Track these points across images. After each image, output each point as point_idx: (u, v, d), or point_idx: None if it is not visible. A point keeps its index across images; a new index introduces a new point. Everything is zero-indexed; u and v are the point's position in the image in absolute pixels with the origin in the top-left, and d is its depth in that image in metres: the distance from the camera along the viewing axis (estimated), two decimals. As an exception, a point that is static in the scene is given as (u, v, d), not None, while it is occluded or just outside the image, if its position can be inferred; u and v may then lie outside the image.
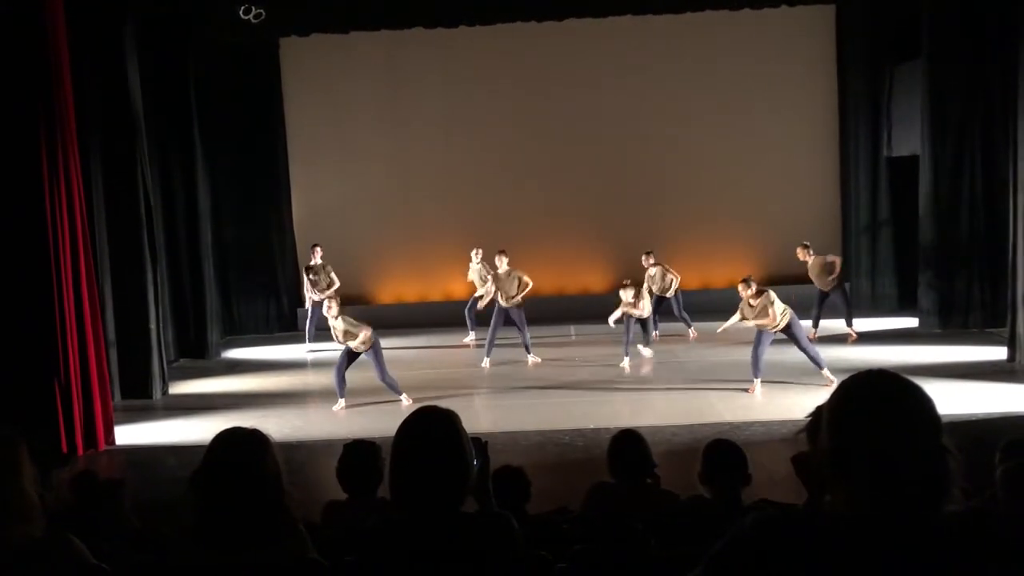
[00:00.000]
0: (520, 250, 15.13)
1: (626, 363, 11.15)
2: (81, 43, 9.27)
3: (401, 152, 15.19)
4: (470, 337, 13.03)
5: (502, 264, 11.70)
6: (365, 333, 9.48)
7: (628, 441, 4.48)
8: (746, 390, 9.56)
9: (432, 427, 2.46)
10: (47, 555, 2.51)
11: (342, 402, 9.67)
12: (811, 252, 12.13)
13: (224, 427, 2.63)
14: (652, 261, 12.54)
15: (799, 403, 8.33)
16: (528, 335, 11.58)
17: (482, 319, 12.31)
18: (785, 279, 13.86)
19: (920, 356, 10.88)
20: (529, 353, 11.60)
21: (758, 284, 9.76)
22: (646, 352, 11.51)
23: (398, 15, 12.46)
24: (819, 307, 12.14)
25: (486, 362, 11.50)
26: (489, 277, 12.16)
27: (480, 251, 13.15)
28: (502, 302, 11.54)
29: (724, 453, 4.07)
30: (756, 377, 9.59)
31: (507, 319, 11.55)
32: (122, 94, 10.36)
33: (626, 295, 11.09)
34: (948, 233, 12.45)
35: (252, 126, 14.50)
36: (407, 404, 9.46)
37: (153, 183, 11.23)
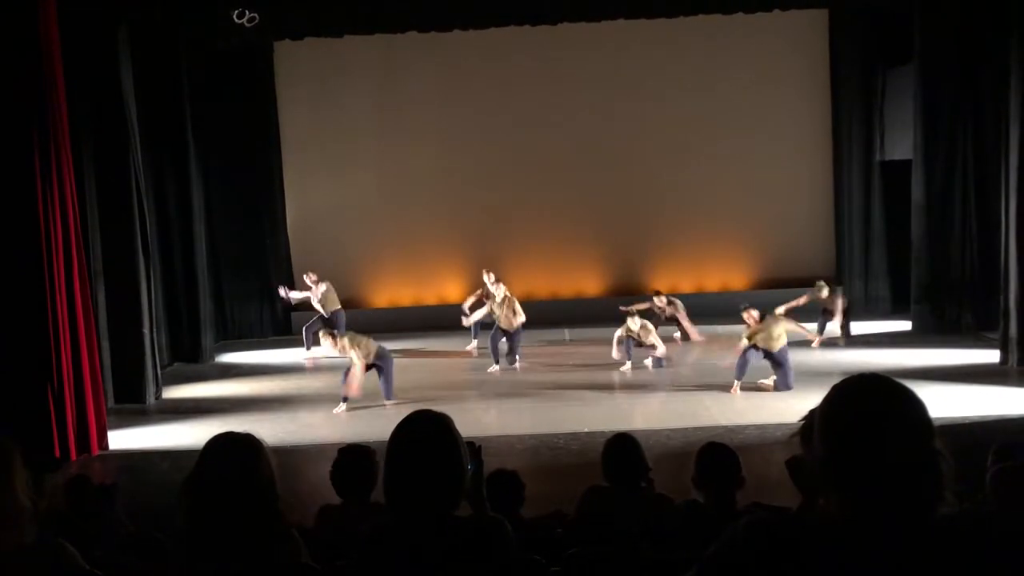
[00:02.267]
0: (514, 253, 15.15)
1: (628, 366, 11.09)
2: (74, 46, 9.24)
3: (395, 155, 15.19)
4: (472, 345, 12.85)
5: (499, 291, 11.68)
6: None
7: (622, 445, 4.48)
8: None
9: (426, 431, 2.46)
10: (39, 561, 2.50)
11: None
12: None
13: (218, 431, 2.62)
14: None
15: (793, 406, 8.30)
16: (519, 346, 11.61)
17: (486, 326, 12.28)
18: (778, 283, 13.91)
19: (913, 359, 10.89)
20: (516, 361, 11.61)
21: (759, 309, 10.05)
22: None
23: (392, 19, 12.46)
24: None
25: (495, 368, 11.47)
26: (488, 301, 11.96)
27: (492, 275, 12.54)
28: (503, 325, 11.58)
29: (717, 457, 4.08)
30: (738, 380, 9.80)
31: (506, 334, 11.63)
32: (115, 97, 10.34)
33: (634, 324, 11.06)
34: (941, 236, 12.49)
35: (246, 130, 14.47)
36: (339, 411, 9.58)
37: (147, 186, 11.21)
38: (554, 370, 11.43)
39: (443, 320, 14.02)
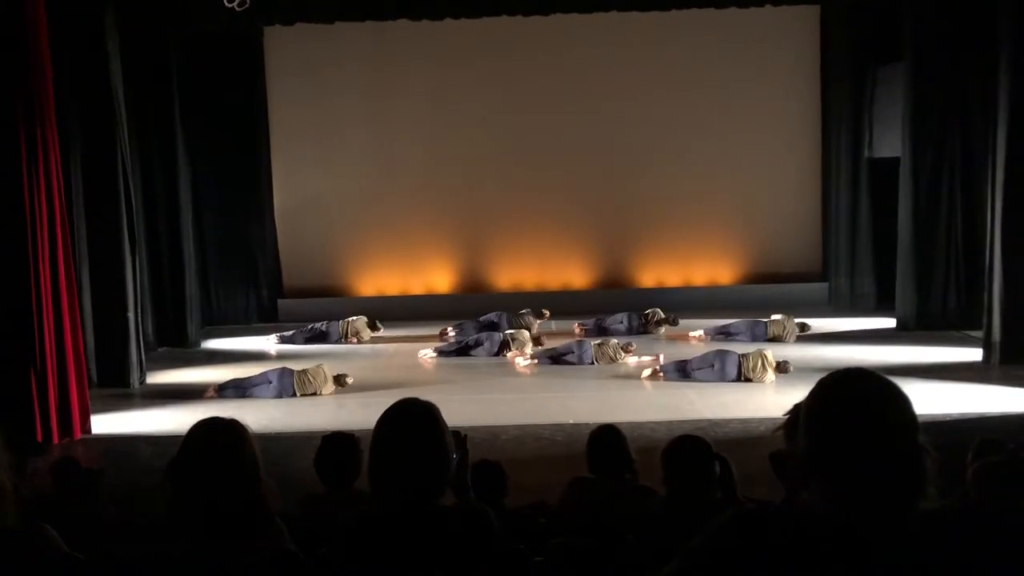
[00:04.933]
0: (502, 244, 15.15)
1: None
2: (61, 27, 9.16)
3: (384, 143, 15.15)
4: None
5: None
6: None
7: (607, 436, 4.49)
8: None
9: (412, 419, 2.46)
10: (21, 545, 2.49)
11: None
12: None
13: (202, 417, 2.61)
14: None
15: (777, 401, 8.37)
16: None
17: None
18: (764, 278, 13.98)
19: (897, 356, 10.95)
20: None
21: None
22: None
23: (384, 6, 12.42)
24: None
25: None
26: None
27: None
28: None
29: (686, 454, 3.91)
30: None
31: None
32: (102, 80, 10.25)
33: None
34: (927, 234, 12.54)
35: (234, 115, 14.40)
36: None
37: (133, 170, 11.14)
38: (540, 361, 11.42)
39: (430, 309, 14.03)
